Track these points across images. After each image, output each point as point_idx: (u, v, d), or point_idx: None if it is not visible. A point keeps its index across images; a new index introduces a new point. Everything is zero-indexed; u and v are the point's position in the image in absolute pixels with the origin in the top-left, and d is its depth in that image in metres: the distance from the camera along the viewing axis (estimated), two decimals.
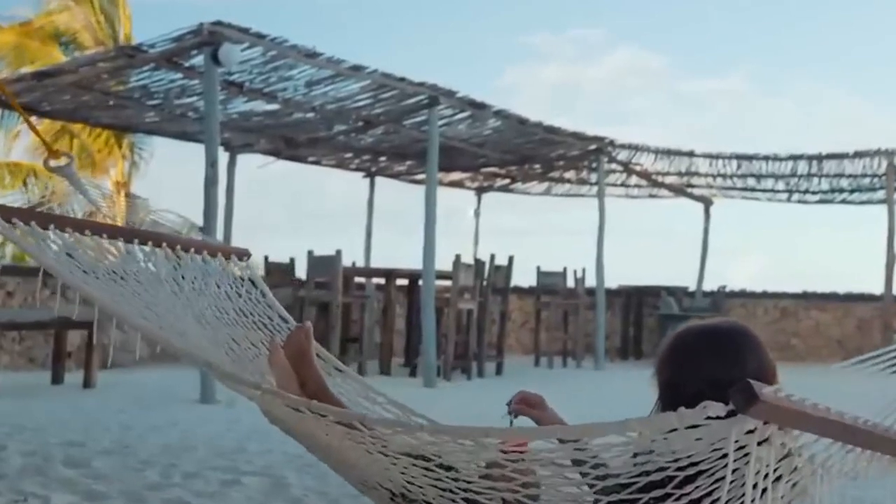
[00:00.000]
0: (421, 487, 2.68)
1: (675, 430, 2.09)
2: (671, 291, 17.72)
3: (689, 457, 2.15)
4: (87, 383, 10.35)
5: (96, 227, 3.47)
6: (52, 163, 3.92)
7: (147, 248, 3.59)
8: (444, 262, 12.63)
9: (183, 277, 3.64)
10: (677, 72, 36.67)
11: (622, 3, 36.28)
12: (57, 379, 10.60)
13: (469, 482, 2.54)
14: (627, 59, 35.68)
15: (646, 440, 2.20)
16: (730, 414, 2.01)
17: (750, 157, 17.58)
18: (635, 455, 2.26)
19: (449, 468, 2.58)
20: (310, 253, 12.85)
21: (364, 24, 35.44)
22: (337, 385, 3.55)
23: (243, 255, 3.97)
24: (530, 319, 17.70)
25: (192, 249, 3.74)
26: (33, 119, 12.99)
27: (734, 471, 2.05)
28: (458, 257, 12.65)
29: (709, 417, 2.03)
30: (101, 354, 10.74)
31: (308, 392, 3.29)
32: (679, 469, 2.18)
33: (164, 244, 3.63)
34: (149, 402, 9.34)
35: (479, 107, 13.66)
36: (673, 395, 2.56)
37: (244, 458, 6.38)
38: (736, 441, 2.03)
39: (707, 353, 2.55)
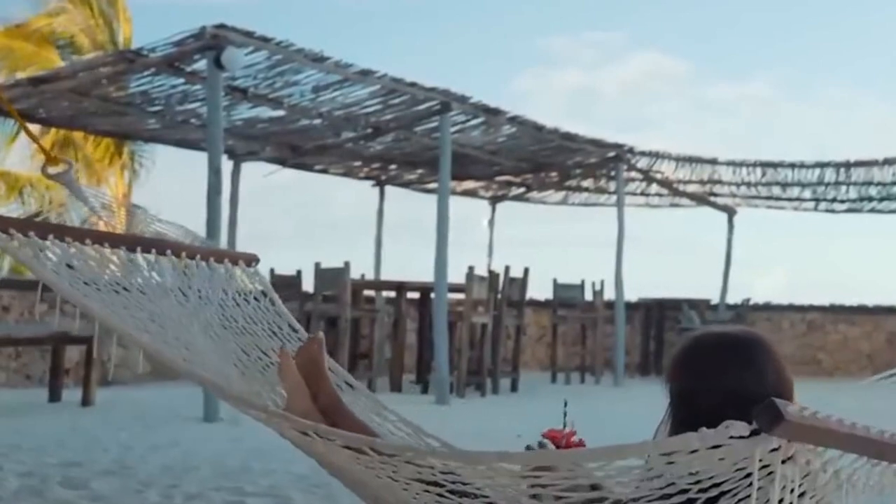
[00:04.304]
0: None
1: (696, 450, 2.06)
2: (693, 304, 17.67)
3: (710, 478, 2.12)
4: (86, 401, 10.34)
5: (98, 236, 3.46)
6: (51, 170, 3.91)
7: (151, 257, 3.58)
8: (456, 275, 12.63)
9: (189, 287, 3.63)
10: (700, 77, 36.62)
11: (642, 5, 36.24)
12: (54, 396, 10.60)
13: None
14: (648, 63, 35.63)
15: (665, 461, 2.16)
16: (753, 433, 2.00)
17: (775, 165, 17.53)
18: (654, 478, 2.22)
19: (463, 494, 2.56)
20: (317, 265, 12.84)
21: (373, 26, 35.45)
22: (347, 402, 3.55)
23: (251, 260, 3.96)
24: (547, 334, 17.66)
25: (198, 256, 3.73)
26: (30, 127, 13.00)
27: (758, 489, 2.04)
28: (471, 269, 12.64)
29: (731, 437, 2.01)
30: (101, 371, 10.74)
31: (320, 404, 3.30)
32: (701, 490, 2.15)
33: (169, 252, 3.63)
34: (150, 420, 9.33)
35: (492, 112, 13.66)
36: (687, 406, 2.53)
37: (248, 478, 6.37)
38: (760, 460, 2.02)
39: (725, 363, 2.50)
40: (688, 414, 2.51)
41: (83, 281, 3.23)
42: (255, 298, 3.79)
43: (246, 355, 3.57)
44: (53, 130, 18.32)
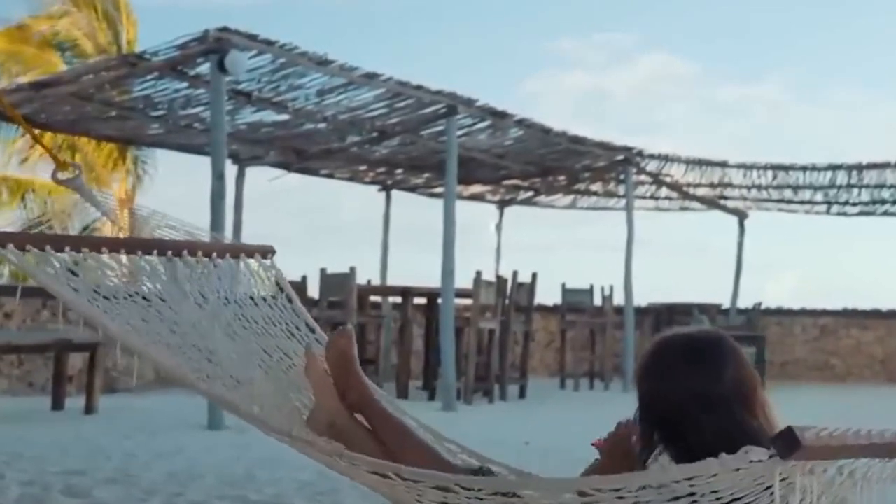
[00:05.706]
0: None
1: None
2: (704, 309, 17.61)
3: (731, 493, 2.19)
4: (89, 409, 10.33)
5: (114, 244, 3.46)
6: (60, 175, 3.93)
7: (166, 259, 3.58)
8: (464, 280, 12.63)
9: (208, 287, 3.63)
10: (710, 79, 36.59)
11: (652, 7, 36.23)
12: (57, 404, 10.59)
13: None
14: (657, 65, 35.63)
15: (685, 484, 2.24)
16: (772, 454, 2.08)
17: (786, 168, 17.50)
18: (676, 499, 2.28)
19: None
20: (323, 270, 12.84)
21: (378, 29, 35.49)
22: None
23: (267, 252, 3.96)
24: (555, 339, 17.64)
25: (214, 254, 3.73)
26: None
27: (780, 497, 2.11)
28: (478, 274, 12.62)
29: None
30: (104, 378, 10.73)
31: (349, 402, 3.29)
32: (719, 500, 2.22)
33: (185, 251, 3.63)
34: (153, 428, 9.32)
35: (500, 115, 13.65)
36: (653, 407, 2.63)
37: (254, 486, 6.36)
38: (780, 473, 2.09)
39: (685, 364, 2.59)
40: (653, 414, 2.62)
41: (102, 296, 3.23)
42: (273, 297, 3.80)
43: (269, 356, 3.58)
44: (48, 135, 18.27)
